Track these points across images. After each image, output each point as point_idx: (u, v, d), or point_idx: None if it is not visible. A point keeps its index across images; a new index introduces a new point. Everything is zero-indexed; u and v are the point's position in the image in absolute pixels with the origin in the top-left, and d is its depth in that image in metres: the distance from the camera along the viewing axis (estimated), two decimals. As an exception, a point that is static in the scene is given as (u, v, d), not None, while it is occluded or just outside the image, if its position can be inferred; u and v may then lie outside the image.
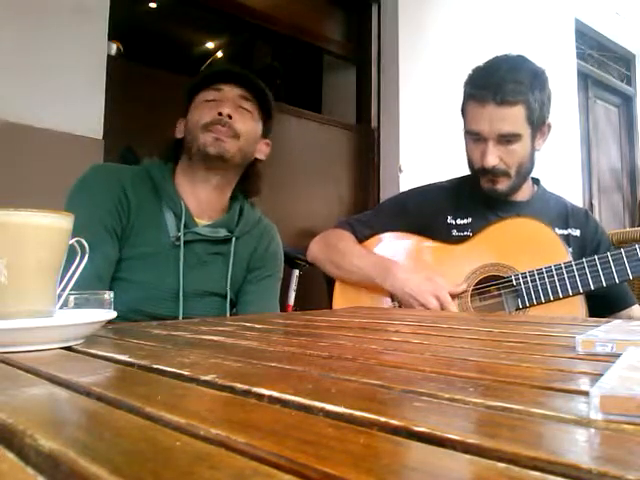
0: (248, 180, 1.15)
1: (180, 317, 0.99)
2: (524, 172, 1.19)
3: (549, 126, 1.20)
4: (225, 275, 1.07)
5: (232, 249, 1.08)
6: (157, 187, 1.04)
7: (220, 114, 1.03)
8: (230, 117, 1.04)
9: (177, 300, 1.00)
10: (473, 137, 1.17)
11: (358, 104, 2.86)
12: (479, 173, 1.19)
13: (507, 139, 1.14)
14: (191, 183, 1.08)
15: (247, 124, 1.07)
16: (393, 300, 1.20)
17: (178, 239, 1.01)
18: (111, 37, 1.86)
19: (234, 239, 1.08)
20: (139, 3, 3.21)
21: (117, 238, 0.98)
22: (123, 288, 0.95)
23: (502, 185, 1.18)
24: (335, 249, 1.25)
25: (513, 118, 1.12)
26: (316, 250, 1.30)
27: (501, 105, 1.11)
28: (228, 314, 1.07)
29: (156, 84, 2.05)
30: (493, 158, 1.14)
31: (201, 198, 1.08)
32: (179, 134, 1.10)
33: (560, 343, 0.50)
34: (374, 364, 0.40)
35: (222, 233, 1.07)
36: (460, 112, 1.22)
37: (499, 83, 1.11)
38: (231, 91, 1.07)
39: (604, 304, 1.14)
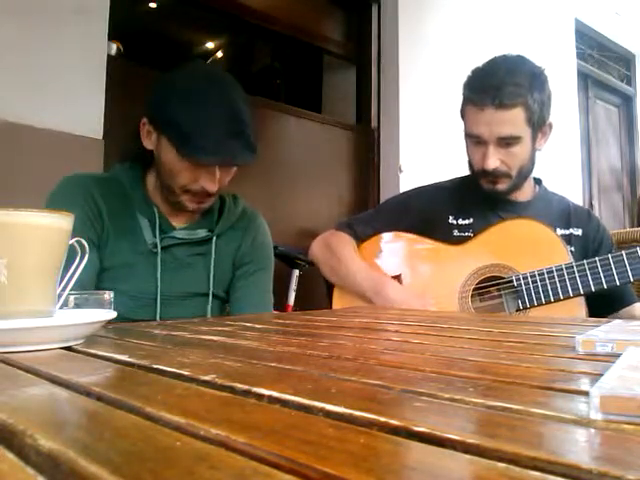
0: None
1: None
2: (525, 172, 1.19)
3: (550, 125, 1.20)
4: (209, 275, 1.05)
5: (213, 248, 1.05)
6: (128, 194, 1.02)
7: (205, 190, 0.97)
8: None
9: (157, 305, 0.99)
10: (473, 140, 1.17)
11: (358, 104, 2.86)
12: (480, 175, 1.19)
13: (507, 142, 1.13)
14: (164, 193, 1.04)
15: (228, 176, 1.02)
16: None
17: (155, 245, 1.00)
18: (111, 37, 1.86)
19: (215, 238, 1.06)
20: (139, 3, 3.21)
21: (96, 247, 0.97)
22: None
23: (502, 185, 1.18)
24: (334, 254, 1.25)
25: (512, 121, 1.12)
26: (317, 251, 1.31)
27: (499, 109, 1.10)
28: (209, 314, 1.05)
29: (156, 84, 2.04)
30: (494, 161, 1.14)
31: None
32: (149, 145, 1.02)
33: (560, 343, 0.50)
34: (374, 364, 0.40)
35: (201, 234, 1.05)
36: (460, 114, 1.21)
37: (497, 86, 1.10)
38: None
39: (605, 302, 1.14)
